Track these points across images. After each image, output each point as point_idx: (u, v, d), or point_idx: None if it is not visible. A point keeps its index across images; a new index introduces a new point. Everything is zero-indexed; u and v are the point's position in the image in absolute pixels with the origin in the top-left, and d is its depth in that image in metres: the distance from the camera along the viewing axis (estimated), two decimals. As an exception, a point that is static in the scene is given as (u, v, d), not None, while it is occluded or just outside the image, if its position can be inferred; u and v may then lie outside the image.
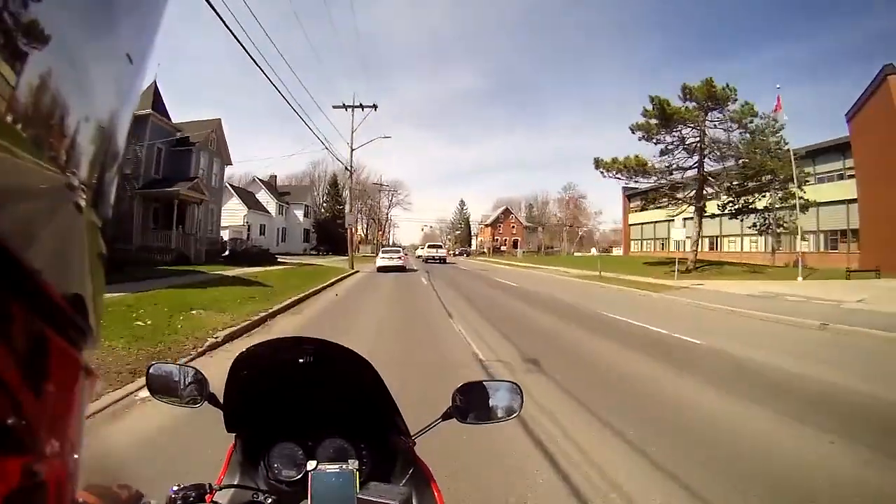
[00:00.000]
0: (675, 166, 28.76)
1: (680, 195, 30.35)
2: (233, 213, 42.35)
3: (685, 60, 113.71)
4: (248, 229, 42.77)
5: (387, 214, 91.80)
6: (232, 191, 43.83)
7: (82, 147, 0.35)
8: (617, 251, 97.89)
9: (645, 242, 60.31)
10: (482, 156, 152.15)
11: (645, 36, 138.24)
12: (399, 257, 29.13)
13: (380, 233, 79.16)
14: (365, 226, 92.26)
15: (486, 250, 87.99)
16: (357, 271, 26.30)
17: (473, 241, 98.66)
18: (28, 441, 0.31)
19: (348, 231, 28.84)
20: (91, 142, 0.36)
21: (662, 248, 55.40)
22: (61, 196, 0.34)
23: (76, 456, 0.37)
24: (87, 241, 0.38)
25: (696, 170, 28.53)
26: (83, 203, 0.36)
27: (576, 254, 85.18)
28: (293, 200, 54.39)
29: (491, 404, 1.29)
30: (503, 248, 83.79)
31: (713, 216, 31.27)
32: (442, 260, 43.74)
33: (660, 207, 32.24)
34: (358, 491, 1.06)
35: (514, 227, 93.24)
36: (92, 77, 0.35)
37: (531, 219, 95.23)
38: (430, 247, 46.06)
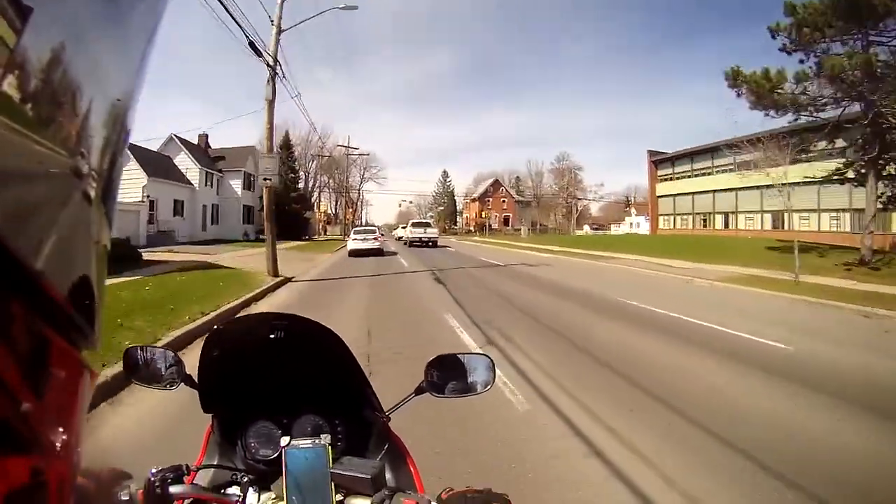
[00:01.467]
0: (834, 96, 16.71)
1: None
2: (127, 184, 28.86)
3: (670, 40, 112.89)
4: (153, 207, 29.37)
5: (359, 190, 78.76)
6: (127, 151, 30.01)
7: (83, 147, 0.35)
8: (618, 229, 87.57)
9: (679, 218, 49.11)
10: (459, 134, 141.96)
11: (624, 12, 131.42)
12: (374, 238, 24.68)
13: (350, 211, 66.06)
14: (333, 203, 79.15)
15: (472, 228, 75.92)
16: (284, 280, 13.27)
17: (459, 219, 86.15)
18: (29, 440, 0.31)
19: (266, 194, 14.65)
20: (92, 141, 0.36)
21: (705, 225, 44.68)
22: (62, 196, 0.34)
23: (77, 455, 0.37)
24: (88, 241, 0.38)
25: (863, 105, 16.58)
26: (84, 203, 0.36)
27: (576, 232, 74.16)
28: (229, 167, 39.13)
29: (465, 377, 1.26)
30: (494, 225, 71.77)
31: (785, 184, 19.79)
32: (433, 243, 31.57)
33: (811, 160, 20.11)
34: (331, 466, 1.07)
35: (504, 201, 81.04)
36: (92, 74, 0.35)
37: (521, 192, 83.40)
38: (415, 225, 33.49)
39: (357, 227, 34.56)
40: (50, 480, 0.33)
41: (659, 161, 52.62)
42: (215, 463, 1.23)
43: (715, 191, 43.31)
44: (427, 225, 33.92)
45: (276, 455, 1.19)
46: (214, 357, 1.17)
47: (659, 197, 52.64)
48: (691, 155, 47.85)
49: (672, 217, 50.60)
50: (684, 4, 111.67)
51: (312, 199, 51.90)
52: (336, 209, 79.38)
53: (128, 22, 0.37)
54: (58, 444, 0.34)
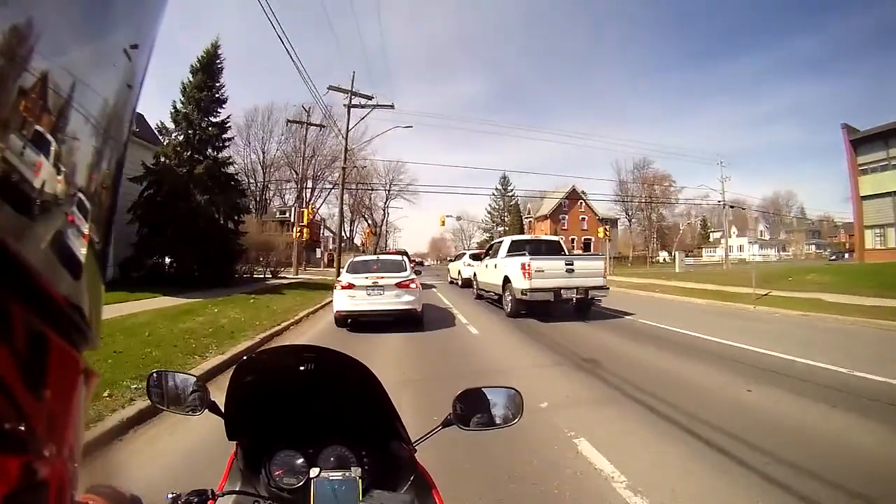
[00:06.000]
0: None
1: None
2: None
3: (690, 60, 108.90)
4: None
5: (383, 209, 58.23)
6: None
7: (83, 146, 0.35)
8: (712, 254, 65.28)
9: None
10: (505, 157, 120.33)
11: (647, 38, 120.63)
12: (398, 284, 8.80)
13: (368, 231, 44.98)
14: (346, 222, 58.72)
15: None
16: None
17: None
18: (28, 441, 0.30)
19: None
20: (92, 141, 0.36)
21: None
22: (62, 196, 0.33)
23: (76, 456, 0.37)
24: (87, 241, 0.37)
25: None
26: (84, 203, 0.36)
27: (685, 261, 51.48)
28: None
29: (491, 411, 1.26)
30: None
31: None
32: (586, 303, 10.27)
33: None
34: (360, 498, 1.09)
35: (584, 218, 58.89)
36: (93, 76, 0.34)
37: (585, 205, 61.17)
38: (537, 247, 11.47)
39: (364, 255, 13.86)
40: (49, 481, 0.32)
41: (862, 140, 30.70)
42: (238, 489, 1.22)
43: None
44: (561, 255, 11.96)
45: (300, 484, 1.19)
46: (243, 385, 1.16)
47: (864, 198, 30.74)
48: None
49: (890, 230, 29.24)
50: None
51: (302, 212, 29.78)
52: (350, 231, 58.80)
53: (112, 57, 0.36)
54: (57, 446, 0.33)
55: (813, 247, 68.89)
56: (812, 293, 13.91)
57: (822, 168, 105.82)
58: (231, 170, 17.54)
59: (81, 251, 0.36)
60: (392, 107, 21.66)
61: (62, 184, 0.33)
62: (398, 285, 8.73)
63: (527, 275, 9.80)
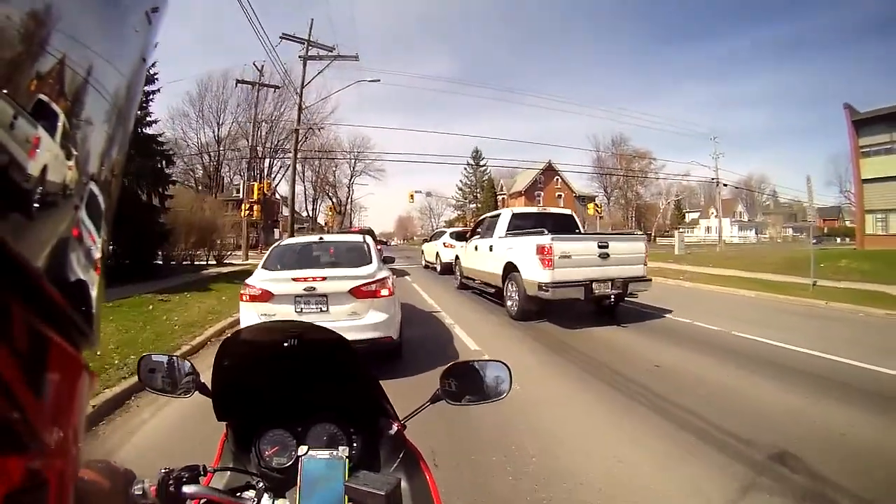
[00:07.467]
0: None
1: None
2: None
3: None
4: None
5: (348, 186, 54.78)
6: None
7: (83, 146, 0.35)
8: (690, 235, 64.47)
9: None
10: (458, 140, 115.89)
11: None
12: (356, 290, 4.77)
13: (330, 209, 41.52)
14: (309, 201, 54.82)
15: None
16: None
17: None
18: (28, 440, 0.31)
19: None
20: (92, 141, 0.36)
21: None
22: (62, 195, 0.33)
23: (77, 454, 0.37)
24: (87, 241, 0.37)
25: None
26: (83, 203, 0.36)
27: (682, 239, 49.92)
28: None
29: (480, 385, 1.24)
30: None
31: None
32: (620, 297, 7.42)
33: None
34: (346, 478, 1.06)
35: (560, 195, 56.51)
36: (92, 77, 0.34)
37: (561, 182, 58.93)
38: (554, 224, 7.88)
39: (297, 237, 9.57)
40: (50, 480, 0.32)
41: (865, 121, 29.05)
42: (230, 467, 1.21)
43: None
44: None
45: (290, 463, 1.18)
46: (228, 365, 1.14)
47: (866, 181, 28.99)
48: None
49: (893, 216, 27.99)
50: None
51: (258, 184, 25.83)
52: (313, 210, 54.94)
53: (112, 58, 0.35)
54: (57, 444, 0.33)
55: (790, 230, 68.61)
56: (863, 283, 11.89)
57: (795, 151, 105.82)
58: (153, 130, 13.79)
59: (82, 250, 0.36)
60: (356, 58, 18.40)
61: (63, 183, 0.33)
62: (354, 293, 4.80)
63: (547, 262, 6.95)
